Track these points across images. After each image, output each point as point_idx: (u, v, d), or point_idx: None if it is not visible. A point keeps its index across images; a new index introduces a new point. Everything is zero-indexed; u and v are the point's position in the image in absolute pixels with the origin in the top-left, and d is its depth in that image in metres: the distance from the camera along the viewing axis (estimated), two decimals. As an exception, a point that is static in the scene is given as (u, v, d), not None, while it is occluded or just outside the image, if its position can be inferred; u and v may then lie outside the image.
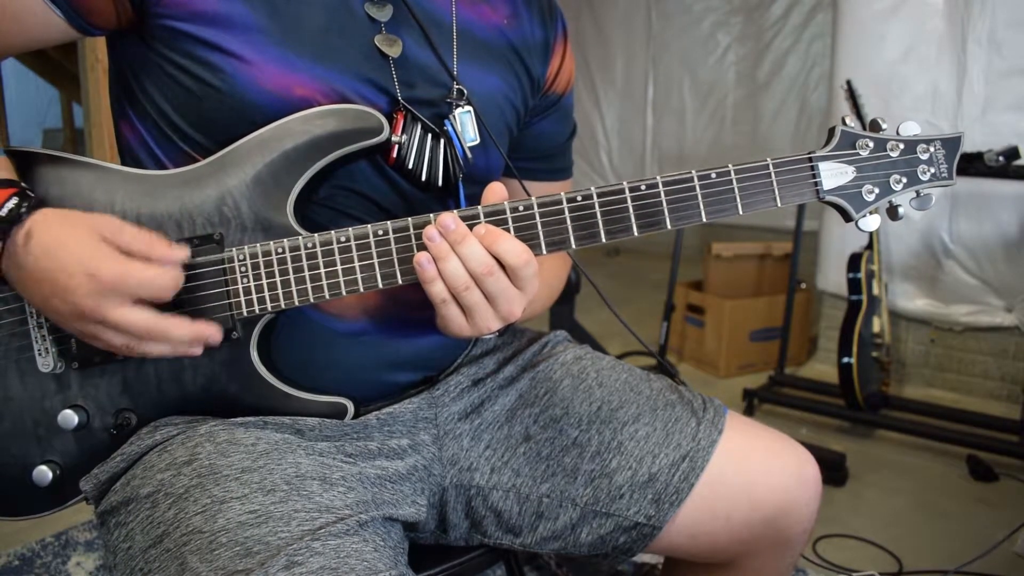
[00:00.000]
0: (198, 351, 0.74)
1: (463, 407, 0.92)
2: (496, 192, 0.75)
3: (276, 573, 0.63)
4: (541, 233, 0.75)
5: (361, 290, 0.75)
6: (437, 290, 0.72)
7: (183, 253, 0.72)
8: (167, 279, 0.70)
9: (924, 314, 2.86)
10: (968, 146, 2.39)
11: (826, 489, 0.96)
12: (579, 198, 0.75)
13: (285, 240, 0.75)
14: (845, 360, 2.40)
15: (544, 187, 0.98)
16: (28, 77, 4.25)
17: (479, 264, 0.71)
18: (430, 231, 0.71)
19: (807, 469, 0.91)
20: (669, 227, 0.76)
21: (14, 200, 0.70)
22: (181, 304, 0.75)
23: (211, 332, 0.73)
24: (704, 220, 0.76)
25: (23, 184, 0.73)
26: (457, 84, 0.82)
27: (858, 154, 0.78)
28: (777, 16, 4.74)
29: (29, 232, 0.69)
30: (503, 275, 0.72)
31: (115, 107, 0.84)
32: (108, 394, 0.77)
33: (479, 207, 0.74)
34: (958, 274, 2.78)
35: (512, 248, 0.72)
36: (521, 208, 0.75)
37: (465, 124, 0.82)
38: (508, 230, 0.74)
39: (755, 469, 0.88)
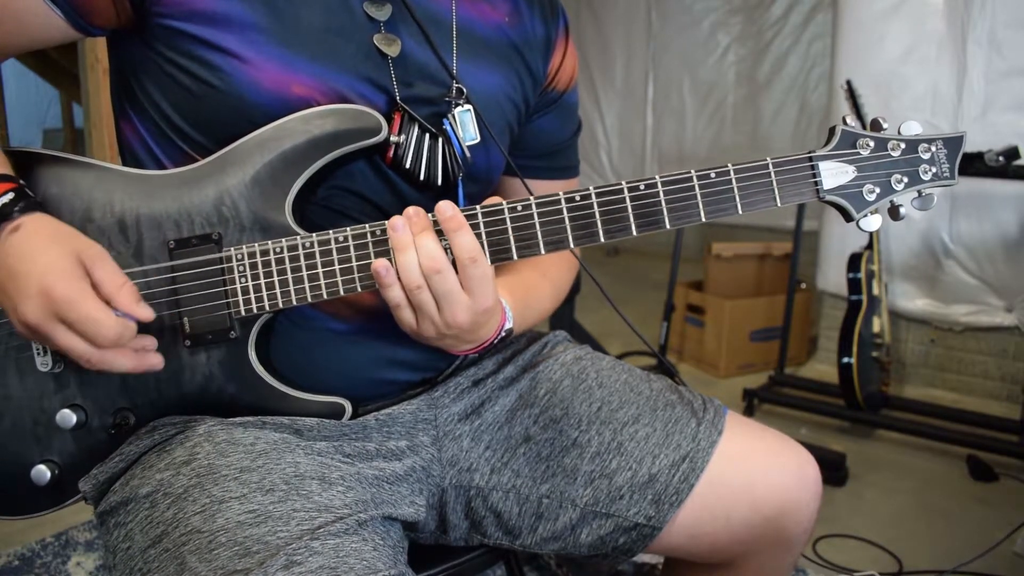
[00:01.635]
0: (159, 366, 0.75)
1: (463, 408, 0.91)
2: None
3: (275, 573, 0.63)
4: (539, 232, 0.75)
5: (359, 290, 0.75)
6: (393, 294, 0.73)
7: (144, 313, 0.71)
8: (110, 330, 0.68)
9: (924, 314, 2.86)
10: (968, 146, 2.37)
11: (826, 489, 0.96)
12: (577, 198, 0.75)
13: (283, 240, 0.75)
14: (845, 360, 2.40)
15: (547, 186, 0.98)
16: (28, 77, 4.25)
17: (430, 259, 0.71)
18: (395, 220, 0.72)
19: (807, 469, 0.90)
20: (668, 227, 0.76)
21: (10, 195, 0.70)
22: (180, 304, 0.75)
23: (153, 362, 0.74)
24: (703, 220, 0.76)
25: (23, 183, 0.73)
26: (456, 83, 0.82)
27: (859, 153, 0.78)
28: (777, 16, 4.73)
29: (19, 226, 0.69)
30: (451, 274, 0.72)
31: (115, 106, 0.84)
32: (106, 393, 0.77)
33: (477, 207, 0.74)
34: (958, 274, 2.78)
35: (465, 241, 0.72)
36: (519, 207, 0.75)
37: (465, 123, 0.82)
38: (506, 229, 0.74)
39: (755, 469, 0.88)
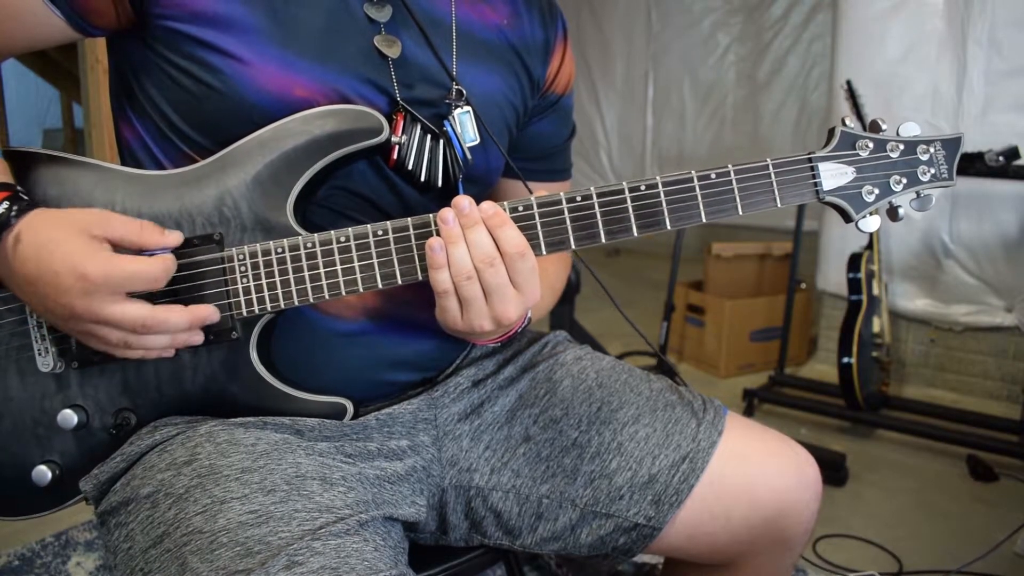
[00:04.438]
0: (198, 338, 0.74)
1: (463, 408, 0.91)
2: None
3: (277, 573, 0.63)
4: (541, 233, 0.75)
5: (360, 290, 0.75)
6: (442, 278, 0.72)
7: (175, 238, 0.73)
8: (156, 269, 0.69)
9: (924, 314, 2.86)
10: (968, 146, 2.39)
11: (826, 489, 0.96)
12: (578, 198, 0.75)
13: (285, 240, 0.75)
14: (845, 360, 2.40)
15: (543, 188, 0.98)
16: (28, 77, 4.25)
17: (483, 253, 0.71)
18: (445, 213, 0.72)
19: (807, 470, 0.91)
20: (669, 227, 0.76)
21: (4, 204, 0.70)
22: (180, 304, 0.75)
23: (208, 313, 0.73)
24: (704, 220, 0.76)
25: (18, 187, 0.73)
26: (456, 84, 0.82)
27: (858, 155, 0.78)
28: (777, 16, 4.74)
29: (18, 236, 0.69)
30: (503, 268, 0.72)
31: (115, 107, 0.84)
32: (108, 394, 0.77)
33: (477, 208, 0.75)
34: (958, 274, 2.78)
35: (512, 236, 0.72)
36: (520, 208, 0.75)
37: (465, 124, 0.82)
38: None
39: (755, 470, 0.88)
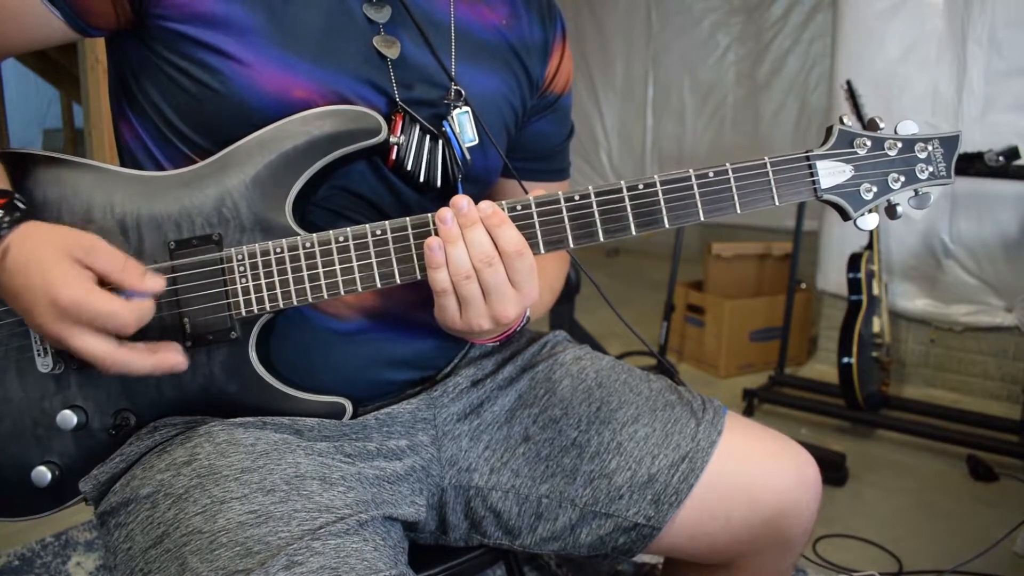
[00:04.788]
0: (181, 367, 0.73)
1: (462, 408, 0.91)
2: None
3: (276, 573, 0.63)
4: (539, 232, 0.75)
5: (359, 290, 0.75)
6: (440, 278, 0.72)
7: (157, 284, 0.70)
8: (128, 315, 0.68)
9: (924, 314, 2.86)
10: (968, 146, 2.39)
11: (826, 489, 0.96)
12: (577, 197, 0.75)
13: (284, 240, 0.75)
14: (845, 360, 2.40)
15: (541, 188, 0.98)
16: (28, 77, 4.25)
17: (482, 252, 0.71)
18: (443, 212, 0.71)
19: (807, 470, 0.91)
20: (667, 226, 0.76)
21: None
22: (180, 305, 0.75)
23: (174, 362, 0.72)
24: (702, 219, 0.76)
25: (16, 195, 0.72)
26: (455, 85, 0.82)
27: (856, 153, 0.78)
28: (777, 16, 4.74)
29: (7, 248, 0.69)
30: (501, 267, 0.72)
31: (114, 108, 0.84)
32: (107, 394, 0.78)
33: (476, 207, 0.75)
34: (958, 274, 2.78)
35: (510, 235, 0.72)
36: (519, 208, 0.75)
37: (463, 125, 0.82)
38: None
39: (754, 470, 0.88)
